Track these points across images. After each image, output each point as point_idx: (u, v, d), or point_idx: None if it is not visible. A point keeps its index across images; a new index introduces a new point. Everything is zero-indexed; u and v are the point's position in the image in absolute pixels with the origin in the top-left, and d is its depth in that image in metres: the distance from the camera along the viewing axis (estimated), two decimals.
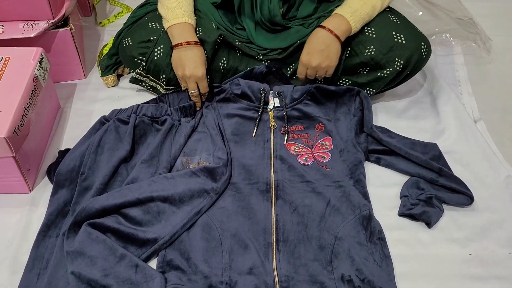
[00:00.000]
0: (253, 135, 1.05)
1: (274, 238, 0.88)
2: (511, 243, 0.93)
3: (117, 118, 1.03)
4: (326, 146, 1.04)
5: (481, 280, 0.88)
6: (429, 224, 0.95)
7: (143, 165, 0.95)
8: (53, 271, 0.82)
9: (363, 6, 1.04)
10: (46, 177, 0.99)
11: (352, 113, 1.09)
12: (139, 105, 1.06)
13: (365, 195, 0.97)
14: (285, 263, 0.85)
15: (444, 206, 0.99)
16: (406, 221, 0.97)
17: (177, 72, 1.04)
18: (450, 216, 0.97)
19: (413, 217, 0.96)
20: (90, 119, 1.12)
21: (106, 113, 1.12)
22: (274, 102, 1.09)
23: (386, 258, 0.87)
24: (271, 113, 1.08)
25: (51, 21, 1.06)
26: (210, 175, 0.94)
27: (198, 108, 1.09)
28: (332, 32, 1.02)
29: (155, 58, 1.07)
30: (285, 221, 0.91)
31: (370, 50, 1.07)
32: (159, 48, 1.06)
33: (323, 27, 1.03)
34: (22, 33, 1.04)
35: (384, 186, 1.02)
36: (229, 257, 0.85)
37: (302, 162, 1.01)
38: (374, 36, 1.07)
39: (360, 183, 0.98)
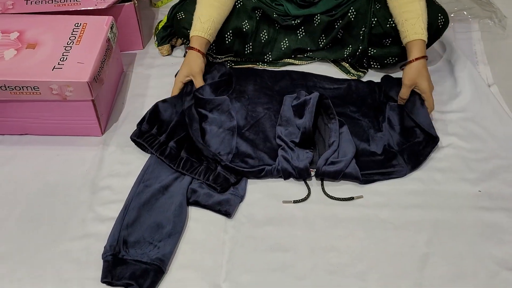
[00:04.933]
0: None
1: None
2: None
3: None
4: None
5: (488, 210, 1.01)
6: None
7: None
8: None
9: (423, 14, 1.14)
10: (114, 124, 1.18)
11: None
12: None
13: None
14: None
15: (457, 151, 1.12)
16: (424, 165, 1.09)
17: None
18: (463, 160, 1.10)
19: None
20: (148, 81, 1.30)
21: (161, 77, 1.31)
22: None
23: None
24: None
25: None
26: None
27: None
28: (424, 57, 1.12)
29: None
30: None
31: (391, 22, 1.21)
32: None
33: (416, 59, 1.12)
34: (96, 5, 1.24)
35: None
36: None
37: None
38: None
39: None
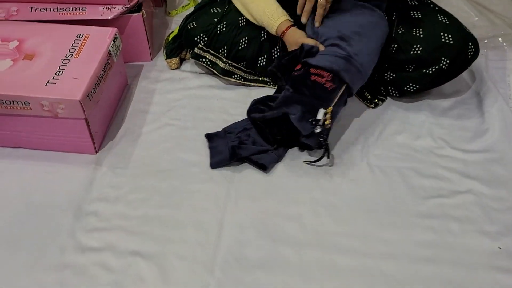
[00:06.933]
0: None
1: None
2: None
3: None
4: None
5: (508, 272, 0.90)
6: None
7: None
8: None
9: None
10: (110, 142, 1.12)
11: None
12: None
13: None
14: None
15: (478, 198, 1.01)
16: (438, 211, 0.99)
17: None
18: (484, 209, 0.99)
19: None
20: (152, 96, 1.24)
21: (166, 92, 1.25)
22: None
23: None
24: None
25: (127, 6, 1.20)
26: None
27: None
28: None
29: (218, 32, 1.19)
30: None
31: (417, 49, 1.11)
32: (222, 24, 1.19)
33: None
34: (101, 15, 1.18)
35: (420, 176, 1.06)
36: None
37: None
38: (422, 36, 1.11)
39: None
